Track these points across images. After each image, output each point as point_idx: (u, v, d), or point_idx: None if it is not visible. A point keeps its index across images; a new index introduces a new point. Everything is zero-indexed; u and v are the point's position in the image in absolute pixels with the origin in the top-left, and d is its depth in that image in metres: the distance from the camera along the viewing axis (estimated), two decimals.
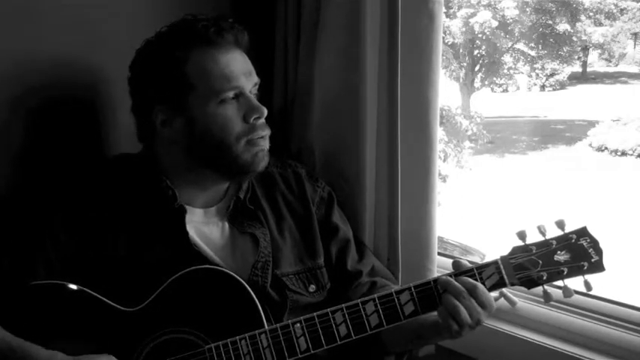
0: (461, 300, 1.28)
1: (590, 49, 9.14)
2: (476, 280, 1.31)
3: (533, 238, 1.34)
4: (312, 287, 1.51)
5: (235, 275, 1.34)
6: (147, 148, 1.53)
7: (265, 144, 1.46)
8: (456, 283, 1.30)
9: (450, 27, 7.90)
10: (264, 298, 1.40)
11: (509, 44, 8.60)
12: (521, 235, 1.33)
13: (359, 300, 1.32)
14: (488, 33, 8.10)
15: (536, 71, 9.49)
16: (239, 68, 1.43)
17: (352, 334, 1.30)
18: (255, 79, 1.48)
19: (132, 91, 1.49)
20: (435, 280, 1.32)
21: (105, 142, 1.75)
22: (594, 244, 1.32)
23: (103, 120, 1.75)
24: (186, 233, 1.43)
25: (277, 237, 1.51)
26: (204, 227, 1.48)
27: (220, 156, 1.42)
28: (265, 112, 1.45)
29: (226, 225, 1.50)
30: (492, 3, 8.01)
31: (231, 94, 1.41)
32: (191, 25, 1.43)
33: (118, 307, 1.32)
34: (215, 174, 1.46)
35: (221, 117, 1.40)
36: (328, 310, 1.31)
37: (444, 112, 6.96)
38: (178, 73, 1.41)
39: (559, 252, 1.32)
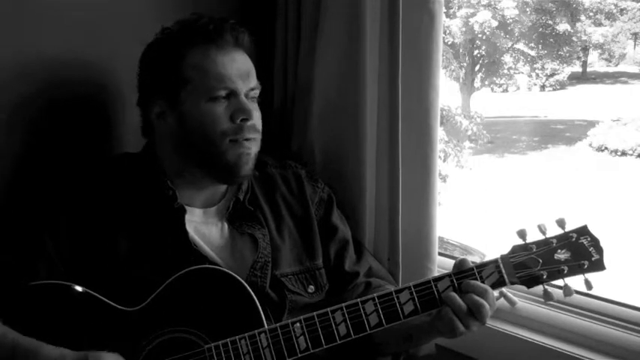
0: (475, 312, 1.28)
1: (590, 49, 9.16)
2: (475, 279, 1.31)
3: (534, 236, 1.33)
4: (311, 288, 1.51)
5: (235, 275, 1.34)
6: (148, 146, 1.53)
7: (252, 147, 1.45)
8: (478, 298, 1.28)
9: (450, 27, 7.92)
10: (263, 298, 1.39)
11: (509, 44, 8.62)
12: (522, 234, 1.33)
13: (358, 299, 1.31)
14: (488, 33, 8.12)
15: (536, 71, 9.52)
16: (235, 69, 1.43)
17: (352, 334, 1.29)
18: (254, 83, 1.47)
19: (138, 84, 1.51)
20: (435, 279, 1.32)
21: (108, 141, 1.75)
22: (595, 242, 1.32)
23: (106, 119, 1.75)
24: (186, 233, 1.43)
25: (276, 238, 1.51)
26: (204, 227, 1.48)
27: (206, 153, 1.42)
28: (254, 115, 1.44)
29: (225, 225, 1.50)
30: (492, 3, 8.03)
31: (222, 92, 1.42)
32: (194, 23, 1.45)
33: (119, 306, 1.32)
34: (205, 175, 1.46)
35: (209, 113, 1.41)
36: (328, 309, 1.30)
37: (444, 112, 6.98)
38: (175, 67, 1.42)
39: (559, 251, 1.32)
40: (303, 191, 1.59)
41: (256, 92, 1.48)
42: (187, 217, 1.44)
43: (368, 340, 1.38)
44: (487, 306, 1.27)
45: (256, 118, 1.45)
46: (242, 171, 1.44)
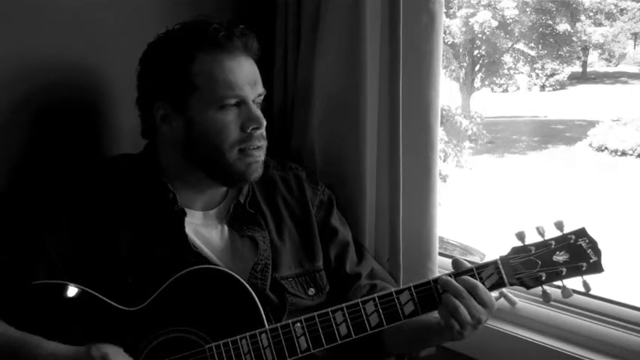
0: (461, 299, 1.28)
1: (590, 49, 9.16)
2: (475, 279, 1.31)
3: (533, 238, 1.34)
4: (312, 290, 1.51)
5: (236, 275, 1.35)
6: (148, 147, 1.53)
7: (260, 155, 1.45)
8: (455, 282, 1.30)
9: (450, 27, 7.92)
10: (263, 300, 1.39)
11: (509, 44, 8.62)
12: (520, 236, 1.34)
13: (359, 300, 1.32)
14: (488, 33, 8.12)
15: (536, 71, 9.52)
16: (244, 76, 1.42)
17: (352, 334, 1.30)
18: (261, 89, 1.46)
19: (138, 83, 1.48)
20: (435, 280, 1.32)
21: (106, 142, 1.75)
22: (593, 244, 1.32)
23: (104, 120, 1.75)
24: (185, 236, 1.43)
25: (277, 240, 1.51)
26: (203, 230, 1.48)
27: (214, 161, 1.42)
28: (264, 123, 1.44)
29: (225, 228, 1.50)
30: (492, 3, 8.03)
31: (232, 101, 1.40)
32: (202, 26, 1.42)
33: (119, 306, 1.32)
34: (210, 178, 1.46)
35: (219, 122, 1.40)
36: (328, 309, 1.31)
37: (444, 112, 6.98)
38: (183, 72, 1.40)
39: (558, 252, 1.32)
40: (304, 193, 1.59)
41: (261, 98, 1.48)
42: (187, 219, 1.44)
43: (375, 339, 1.38)
44: (468, 296, 1.28)
45: (264, 126, 1.45)
46: (252, 178, 1.45)
